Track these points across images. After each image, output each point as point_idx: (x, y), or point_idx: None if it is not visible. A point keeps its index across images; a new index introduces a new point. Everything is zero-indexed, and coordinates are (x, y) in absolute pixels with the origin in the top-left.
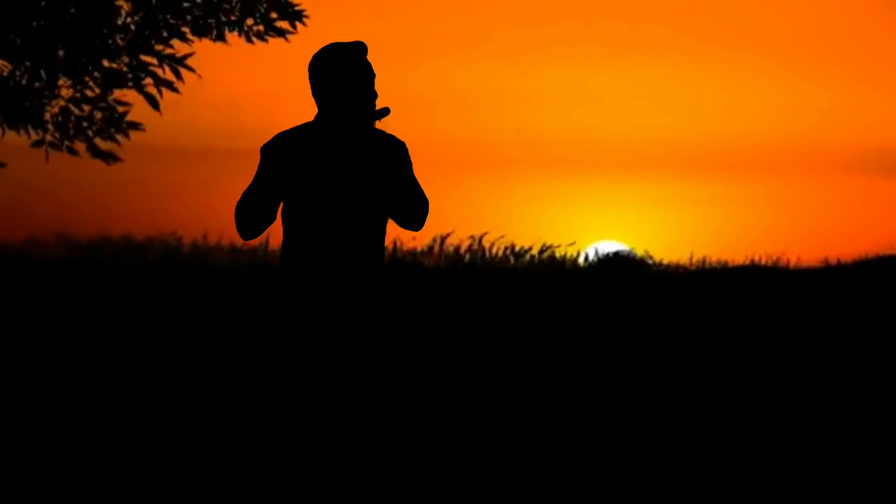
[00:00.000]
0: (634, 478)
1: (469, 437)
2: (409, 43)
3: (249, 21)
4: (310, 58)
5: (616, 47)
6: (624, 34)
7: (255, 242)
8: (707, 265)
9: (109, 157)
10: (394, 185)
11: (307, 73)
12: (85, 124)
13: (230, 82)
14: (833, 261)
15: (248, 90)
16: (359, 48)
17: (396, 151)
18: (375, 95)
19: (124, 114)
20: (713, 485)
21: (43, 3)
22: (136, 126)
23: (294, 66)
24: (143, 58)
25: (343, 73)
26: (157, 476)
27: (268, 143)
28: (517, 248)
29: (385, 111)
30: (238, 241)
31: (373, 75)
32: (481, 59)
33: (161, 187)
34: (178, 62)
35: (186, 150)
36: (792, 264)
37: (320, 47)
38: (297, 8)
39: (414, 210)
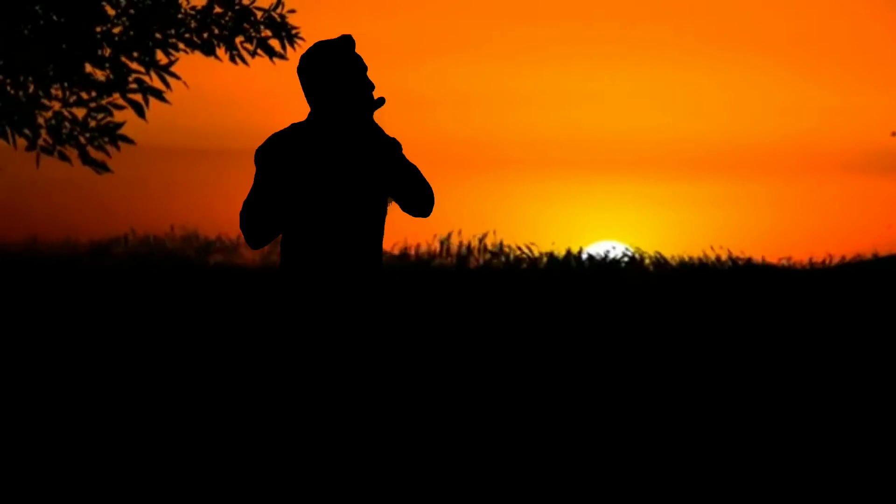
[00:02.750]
0: (634, 477)
1: (468, 436)
2: (409, 43)
3: (240, 38)
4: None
5: (616, 47)
6: (624, 34)
7: None
8: (706, 265)
9: (100, 167)
10: (392, 181)
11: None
12: (77, 131)
13: (229, 82)
14: (833, 260)
15: (247, 90)
16: (346, 42)
17: (390, 149)
18: (372, 86)
19: (119, 124)
20: (710, 485)
21: (28, 9)
22: (127, 140)
23: (293, 65)
24: (130, 65)
25: (334, 69)
26: (157, 476)
27: (262, 146)
28: (516, 248)
29: (381, 101)
30: (238, 240)
31: (364, 67)
32: (481, 59)
33: (161, 187)
34: (164, 70)
35: (186, 150)
36: (792, 264)
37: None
38: (294, 31)
39: (419, 197)
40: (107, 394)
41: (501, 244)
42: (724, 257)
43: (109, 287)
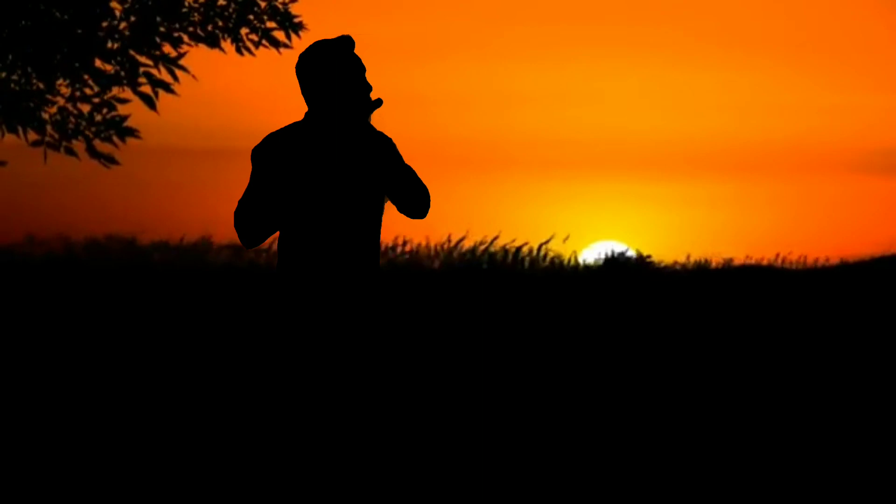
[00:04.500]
0: (634, 478)
1: (469, 437)
2: (409, 43)
3: (245, 30)
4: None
5: (616, 47)
6: (624, 34)
7: None
8: (707, 265)
9: (108, 160)
10: (388, 180)
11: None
12: (83, 125)
13: (230, 82)
14: (833, 261)
15: (247, 89)
16: (345, 42)
17: (386, 148)
18: (370, 87)
19: (124, 117)
20: (713, 485)
21: (32, 5)
22: (132, 133)
23: (293, 64)
24: (138, 57)
25: (333, 69)
26: (157, 476)
27: (258, 145)
28: (517, 249)
29: (378, 102)
30: (238, 241)
31: (363, 68)
32: (481, 59)
33: (161, 187)
34: (172, 62)
35: (186, 150)
36: (792, 264)
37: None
38: (297, 20)
39: (415, 198)
40: (107, 396)
41: (503, 244)
42: (723, 257)
43: (108, 287)
